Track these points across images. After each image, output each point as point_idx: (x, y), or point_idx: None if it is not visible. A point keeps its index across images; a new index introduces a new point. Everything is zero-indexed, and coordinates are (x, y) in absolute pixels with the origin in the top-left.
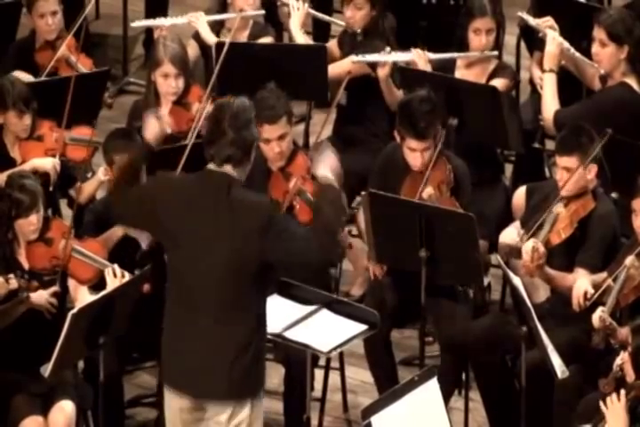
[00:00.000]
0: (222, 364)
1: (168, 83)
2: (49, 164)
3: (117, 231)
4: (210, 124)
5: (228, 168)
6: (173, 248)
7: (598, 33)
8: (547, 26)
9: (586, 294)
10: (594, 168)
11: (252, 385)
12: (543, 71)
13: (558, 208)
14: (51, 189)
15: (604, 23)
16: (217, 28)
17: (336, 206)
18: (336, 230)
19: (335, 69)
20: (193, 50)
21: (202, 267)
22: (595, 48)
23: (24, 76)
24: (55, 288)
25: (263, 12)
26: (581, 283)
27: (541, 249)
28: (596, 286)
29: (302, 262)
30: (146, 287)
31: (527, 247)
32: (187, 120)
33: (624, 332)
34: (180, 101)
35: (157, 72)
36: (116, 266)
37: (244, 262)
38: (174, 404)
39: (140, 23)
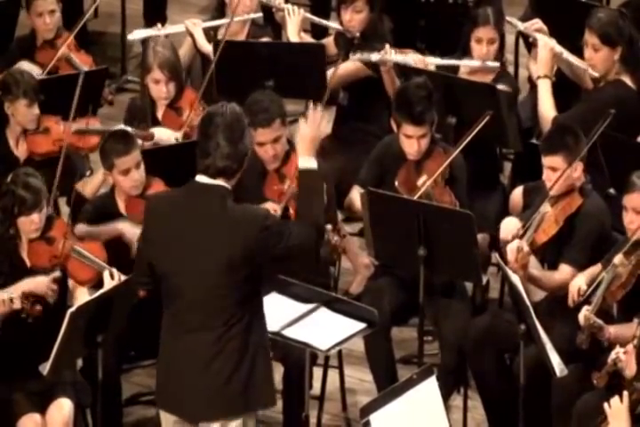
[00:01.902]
0: (216, 385)
1: (159, 88)
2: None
3: (117, 228)
4: (203, 136)
5: (220, 180)
6: (167, 265)
7: (590, 37)
8: (535, 29)
9: (579, 290)
10: (579, 166)
11: (246, 401)
12: (537, 78)
13: (546, 208)
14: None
15: (594, 27)
16: (214, 28)
17: (315, 194)
18: (318, 222)
19: (340, 71)
20: (189, 48)
21: (195, 281)
22: (588, 53)
23: (31, 68)
24: (57, 274)
25: (261, 15)
26: (577, 280)
27: (525, 249)
28: (590, 283)
29: (295, 251)
30: (142, 292)
31: (512, 247)
32: (178, 126)
33: (612, 330)
34: (173, 105)
35: (148, 77)
36: (114, 269)
37: (236, 272)
38: (168, 416)
39: (137, 35)
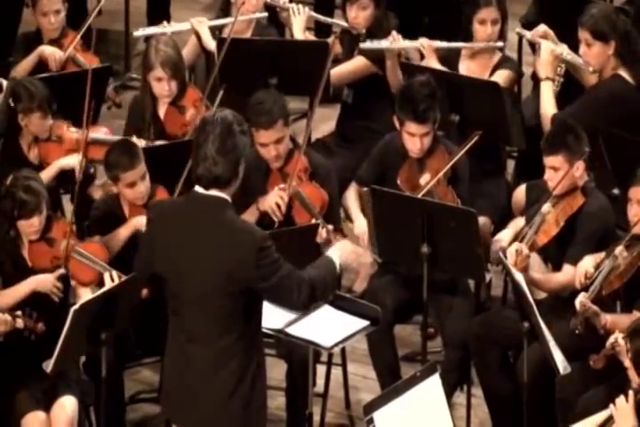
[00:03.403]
0: (217, 400)
1: (161, 86)
2: (74, 160)
3: (122, 232)
4: (195, 145)
5: (215, 191)
6: (168, 273)
7: (582, 34)
8: (540, 35)
9: (586, 273)
10: (581, 165)
11: (244, 420)
12: (540, 80)
13: (546, 208)
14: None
15: (586, 24)
16: (219, 27)
17: (331, 279)
18: (324, 297)
19: (345, 68)
20: (194, 46)
21: (193, 292)
22: (582, 49)
23: (54, 50)
24: (61, 271)
25: (266, 14)
26: (584, 262)
27: (525, 251)
28: (596, 266)
29: (284, 301)
30: (144, 293)
31: (511, 250)
32: (180, 124)
33: (609, 318)
34: (176, 103)
35: (150, 75)
36: (114, 271)
37: (233, 286)
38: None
39: (142, 32)
